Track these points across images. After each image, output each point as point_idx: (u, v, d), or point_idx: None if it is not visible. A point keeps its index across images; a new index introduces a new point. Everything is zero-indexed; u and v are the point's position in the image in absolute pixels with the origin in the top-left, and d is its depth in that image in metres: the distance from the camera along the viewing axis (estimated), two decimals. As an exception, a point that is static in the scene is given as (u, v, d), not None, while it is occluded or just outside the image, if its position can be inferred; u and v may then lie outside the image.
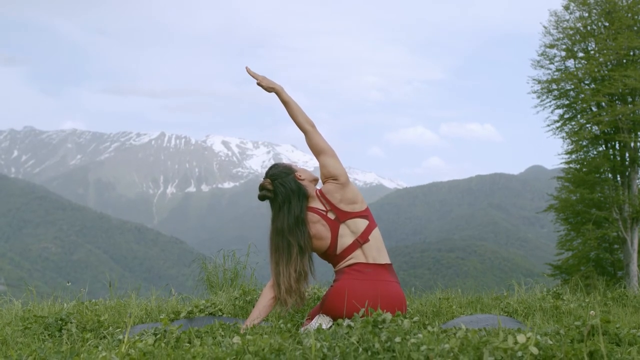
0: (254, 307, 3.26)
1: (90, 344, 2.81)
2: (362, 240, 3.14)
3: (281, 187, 3.19)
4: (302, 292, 3.16)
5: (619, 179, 18.18)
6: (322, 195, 3.22)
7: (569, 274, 17.35)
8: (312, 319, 3.15)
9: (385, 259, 3.17)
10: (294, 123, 3.31)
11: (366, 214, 3.20)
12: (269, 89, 3.36)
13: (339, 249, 3.14)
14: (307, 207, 3.21)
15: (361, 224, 3.17)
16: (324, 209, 3.19)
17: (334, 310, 3.04)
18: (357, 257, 3.13)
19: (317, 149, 3.26)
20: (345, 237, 3.15)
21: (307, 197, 3.22)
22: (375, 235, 3.19)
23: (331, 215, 3.17)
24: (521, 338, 1.90)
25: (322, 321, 3.03)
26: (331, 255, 3.18)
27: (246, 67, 3.45)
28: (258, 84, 3.36)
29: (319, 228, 3.16)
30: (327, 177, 3.23)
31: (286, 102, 3.32)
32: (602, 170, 18.30)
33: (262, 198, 3.24)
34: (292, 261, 3.14)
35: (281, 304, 3.15)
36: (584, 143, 18.55)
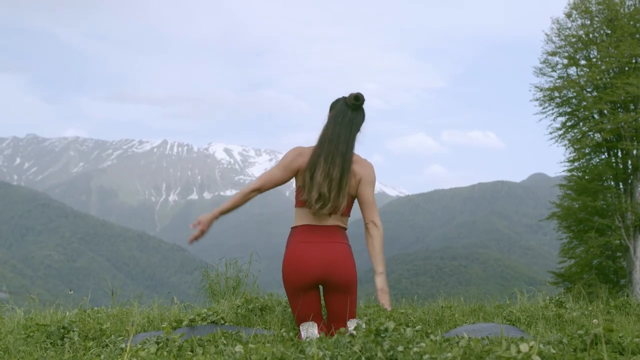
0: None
1: (93, 353, 2.82)
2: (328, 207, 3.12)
3: (364, 112, 3.28)
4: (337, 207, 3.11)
5: (621, 186, 18.15)
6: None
7: (572, 282, 17.31)
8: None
9: (336, 222, 3.17)
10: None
11: (344, 214, 3.20)
12: None
13: (308, 179, 3.11)
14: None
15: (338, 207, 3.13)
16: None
17: (289, 281, 3.11)
18: (306, 216, 3.14)
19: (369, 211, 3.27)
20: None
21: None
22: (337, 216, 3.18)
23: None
24: (524, 347, 1.90)
25: (309, 332, 3.03)
26: (299, 178, 3.17)
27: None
28: None
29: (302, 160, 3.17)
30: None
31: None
32: (604, 178, 18.28)
33: (360, 97, 3.21)
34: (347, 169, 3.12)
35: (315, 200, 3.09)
36: (587, 151, 18.55)
